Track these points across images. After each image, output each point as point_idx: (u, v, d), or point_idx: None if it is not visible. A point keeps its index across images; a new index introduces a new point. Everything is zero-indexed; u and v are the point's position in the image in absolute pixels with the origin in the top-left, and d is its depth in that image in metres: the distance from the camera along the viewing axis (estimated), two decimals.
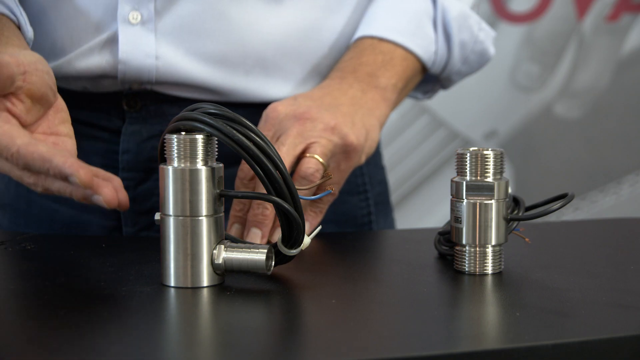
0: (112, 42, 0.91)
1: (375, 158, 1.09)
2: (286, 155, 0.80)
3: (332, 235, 0.92)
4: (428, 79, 1.04)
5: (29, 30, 0.85)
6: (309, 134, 0.82)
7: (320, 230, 0.76)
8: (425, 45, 0.97)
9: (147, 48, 0.91)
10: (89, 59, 0.92)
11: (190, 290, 0.66)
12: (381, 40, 0.95)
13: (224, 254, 0.67)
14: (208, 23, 0.92)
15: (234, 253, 0.67)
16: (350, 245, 0.87)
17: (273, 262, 0.68)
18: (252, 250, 0.67)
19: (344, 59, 0.95)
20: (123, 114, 0.95)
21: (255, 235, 0.79)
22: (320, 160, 0.81)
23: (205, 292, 0.66)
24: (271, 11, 0.93)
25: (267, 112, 0.85)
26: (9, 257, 0.80)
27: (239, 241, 0.74)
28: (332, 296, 0.65)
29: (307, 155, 0.81)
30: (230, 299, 0.64)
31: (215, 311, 0.63)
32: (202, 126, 0.66)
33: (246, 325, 0.58)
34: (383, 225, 1.08)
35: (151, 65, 0.91)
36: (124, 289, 0.67)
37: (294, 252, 0.68)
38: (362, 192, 1.05)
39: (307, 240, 0.68)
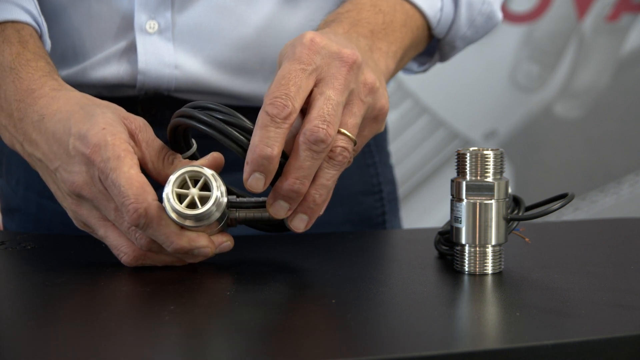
0: (130, 51, 0.90)
1: (385, 157, 1.09)
2: (332, 117, 0.66)
3: (332, 235, 0.92)
4: (426, 49, 0.98)
5: (48, 42, 0.84)
6: (352, 85, 0.69)
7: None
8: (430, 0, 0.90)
9: (166, 58, 0.90)
10: (105, 68, 0.91)
11: (190, 290, 0.66)
12: None
13: (237, 215, 0.72)
14: (225, 30, 0.90)
15: (247, 213, 0.72)
16: (350, 245, 0.87)
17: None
18: (260, 208, 0.72)
19: (340, 10, 0.85)
20: None
21: (283, 208, 0.68)
22: (351, 136, 0.69)
23: (205, 292, 0.66)
24: (287, 14, 0.92)
25: (303, 40, 0.69)
26: (9, 257, 0.80)
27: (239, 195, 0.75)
28: (332, 296, 0.65)
29: (338, 129, 0.68)
30: (230, 299, 0.64)
31: (216, 311, 0.63)
32: (200, 125, 0.67)
33: (246, 325, 0.58)
34: (394, 224, 1.08)
35: (171, 75, 0.90)
36: (123, 289, 0.67)
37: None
38: (377, 192, 1.05)
39: None
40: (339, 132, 0.68)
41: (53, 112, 0.73)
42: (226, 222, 0.72)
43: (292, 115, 0.65)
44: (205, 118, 0.67)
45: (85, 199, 0.71)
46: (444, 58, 0.99)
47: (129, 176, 0.67)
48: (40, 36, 0.83)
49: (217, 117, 0.67)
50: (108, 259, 0.73)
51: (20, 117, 0.75)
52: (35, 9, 0.83)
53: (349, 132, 0.68)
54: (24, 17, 0.81)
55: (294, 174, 0.66)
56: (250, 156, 0.65)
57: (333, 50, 0.69)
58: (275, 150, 0.65)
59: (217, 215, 0.68)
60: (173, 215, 0.67)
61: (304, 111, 0.68)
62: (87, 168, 0.69)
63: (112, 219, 0.70)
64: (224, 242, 0.72)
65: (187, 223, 0.67)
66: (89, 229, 0.73)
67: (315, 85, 0.68)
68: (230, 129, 0.67)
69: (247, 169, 0.66)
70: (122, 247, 0.71)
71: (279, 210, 0.68)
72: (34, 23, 0.82)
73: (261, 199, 0.72)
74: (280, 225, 0.73)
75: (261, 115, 0.65)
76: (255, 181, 0.66)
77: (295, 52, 0.68)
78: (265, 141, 0.64)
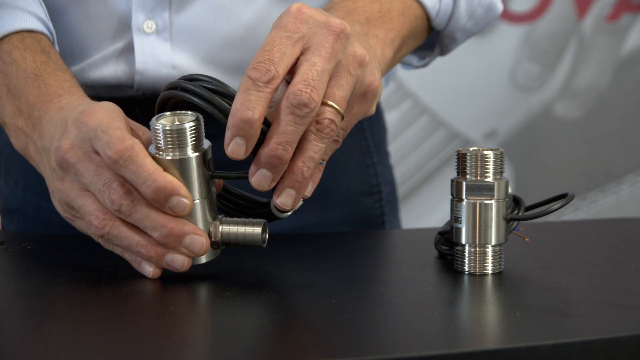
0: (127, 51, 0.90)
1: (385, 158, 1.09)
2: (317, 82, 0.65)
3: (332, 235, 0.92)
4: (427, 42, 0.97)
5: (57, 50, 0.84)
6: (339, 56, 0.67)
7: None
8: None
9: (163, 58, 0.89)
10: (103, 69, 0.91)
11: (191, 289, 0.66)
12: None
13: (221, 229, 0.69)
14: (223, 30, 0.90)
15: (231, 228, 0.69)
16: (351, 245, 0.87)
17: (267, 235, 0.70)
18: (248, 224, 0.69)
19: (335, 0, 0.84)
20: (135, 119, 0.93)
21: (265, 178, 0.66)
22: (339, 109, 0.67)
23: (205, 292, 0.66)
24: None
25: (290, 10, 0.67)
26: (9, 257, 0.80)
27: (234, 216, 0.74)
28: (332, 296, 0.65)
29: (325, 101, 0.66)
30: (230, 298, 0.64)
31: (216, 311, 0.63)
32: (192, 97, 0.67)
33: (246, 325, 0.58)
34: (393, 224, 1.08)
35: (168, 76, 0.89)
36: (123, 289, 0.67)
37: (284, 215, 0.71)
38: (377, 193, 1.05)
39: (300, 201, 0.70)
40: (327, 104, 0.66)
41: (73, 105, 0.72)
42: (212, 211, 0.69)
43: (275, 80, 0.64)
44: (191, 87, 0.67)
45: (68, 166, 0.68)
46: (444, 51, 0.98)
47: (121, 131, 0.66)
48: (52, 43, 0.83)
49: (204, 86, 0.67)
50: (108, 260, 0.73)
51: (40, 115, 0.74)
52: (46, 18, 0.84)
53: (337, 105, 0.66)
54: (40, 27, 0.82)
55: (276, 139, 0.64)
56: (231, 120, 0.64)
57: (321, 20, 0.67)
58: (256, 113, 0.63)
59: (199, 162, 0.66)
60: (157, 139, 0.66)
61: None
62: (78, 131, 0.68)
63: (90, 179, 0.67)
64: (199, 234, 0.67)
65: (169, 144, 0.66)
66: (71, 211, 0.71)
67: (302, 53, 0.66)
68: (215, 96, 0.66)
69: (227, 134, 0.64)
70: (95, 211, 0.68)
71: (261, 180, 0.65)
72: (48, 33, 0.83)
73: (245, 172, 0.69)
74: (268, 213, 0.72)
75: (243, 80, 0.64)
76: (236, 146, 0.64)
77: (282, 20, 0.67)
78: (246, 104, 0.63)
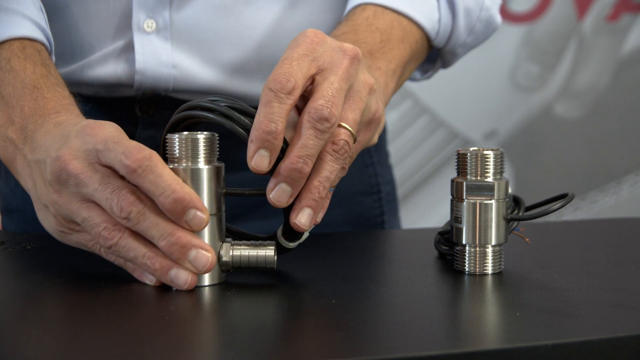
0: (128, 50, 0.90)
1: (384, 157, 1.09)
2: (336, 99, 0.66)
3: (332, 235, 0.92)
4: (428, 56, 0.97)
5: (53, 58, 0.84)
6: (352, 79, 0.69)
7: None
8: (427, 12, 0.89)
9: (163, 57, 0.89)
10: (103, 67, 0.90)
11: (190, 290, 0.66)
12: (377, 11, 0.87)
13: (232, 252, 0.67)
14: (223, 30, 0.90)
15: (242, 250, 0.68)
16: (351, 245, 0.87)
17: (276, 256, 0.69)
18: (259, 246, 0.68)
19: (336, 33, 0.85)
20: (136, 119, 0.93)
21: (285, 192, 0.66)
22: (352, 131, 0.68)
23: (205, 292, 0.66)
24: (286, 15, 0.92)
25: (306, 33, 0.69)
26: (9, 257, 0.80)
27: (242, 238, 0.73)
28: (332, 296, 0.65)
29: (339, 123, 0.67)
30: (231, 298, 0.64)
31: (216, 311, 0.63)
32: (207, 114, 0.66)
33: (246, 325, 0.58)
34: (392, 224, 1.08)
35: (168, 75, 0.89)
36: (123, 289, 0.67)
37: (292, 245, 0.70)
38: (376, 193, 1.05)
39: (305, 233, 0.69)
40: (341, 126, 0.67)
41: (72, 122, 0.71)
42: (220, 231, 0.68)
43: (296, 92, 0.64)
44: (208, 105, 0.66)
45: (69, 177, 0.66)
46: (446, 65, 0.99)
47: (135, 142, 0.65)
48: (50, 54, 0.83)
49: (220, 104, 0.67)
50: (108, 260, 0.73)
51: (35, 129, 0.72)
52: (46, 25, 0.83)
53: (350, 127, 0.67)
54: (40, 37, 0.81)
55: (297, 152, 0.64)
56: (254, 133, 0.64)
57: (335, 44, 0.69)
58: (279, 125, 0.63)
59: (210, 175, 0.66)
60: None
61: (300, 109, 0.67)
62: (82, 143, 0.66)
63: (96, 187, 0.66)
64: (206, 250, 0.65)
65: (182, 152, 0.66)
66: (69, 224, 0.69)
67: (317, 73, 0.67)
68: (233, 111, 0.66)
69: (251, 147, 0.64)
70: (104, 222, 0.66)
71: (280, 195, 0.65)
72: (47, 43, 0.82)
73: (260, 189, 0.69)
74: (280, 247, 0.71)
75: (264, 93, 0.64)
76: (260, 158, 0.64)
77: (297, 41, 0.68)
78: (270, 117, 0.63)
